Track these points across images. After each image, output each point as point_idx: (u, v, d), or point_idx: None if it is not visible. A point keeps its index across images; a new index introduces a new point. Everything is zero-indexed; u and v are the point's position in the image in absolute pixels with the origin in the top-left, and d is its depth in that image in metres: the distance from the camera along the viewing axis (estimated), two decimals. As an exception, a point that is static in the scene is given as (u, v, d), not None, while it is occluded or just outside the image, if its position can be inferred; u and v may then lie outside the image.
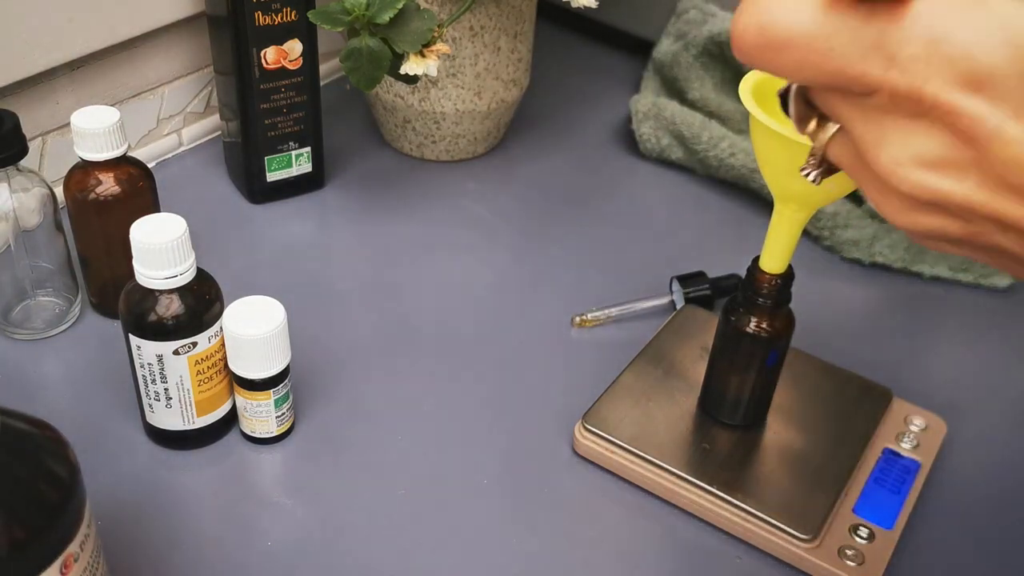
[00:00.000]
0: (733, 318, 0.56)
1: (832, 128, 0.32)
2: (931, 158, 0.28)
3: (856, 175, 0.32)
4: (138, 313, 0.53)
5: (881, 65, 0.28)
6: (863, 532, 0.54)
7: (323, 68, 0.86)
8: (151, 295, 0.53)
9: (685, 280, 0.70)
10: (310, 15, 0.67)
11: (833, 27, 0.28)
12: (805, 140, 0.33)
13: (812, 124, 0.33)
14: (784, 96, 0.33)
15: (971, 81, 0.27)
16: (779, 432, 0.59)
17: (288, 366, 0.57)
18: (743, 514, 0.54)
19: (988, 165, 0.27)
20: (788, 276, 0.54)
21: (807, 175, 0.34)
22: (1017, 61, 0.26)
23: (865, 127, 0.30)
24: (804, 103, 0.32)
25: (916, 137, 0.28)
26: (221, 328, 0.55)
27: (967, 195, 0.28)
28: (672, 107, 0.83)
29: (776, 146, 0.46)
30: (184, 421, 0.56)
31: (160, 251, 0.51)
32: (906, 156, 0.29)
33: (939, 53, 0.27)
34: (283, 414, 0.58)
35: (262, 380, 0.56)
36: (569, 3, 0.71)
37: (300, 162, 0.77)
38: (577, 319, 0.68)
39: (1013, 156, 0.27)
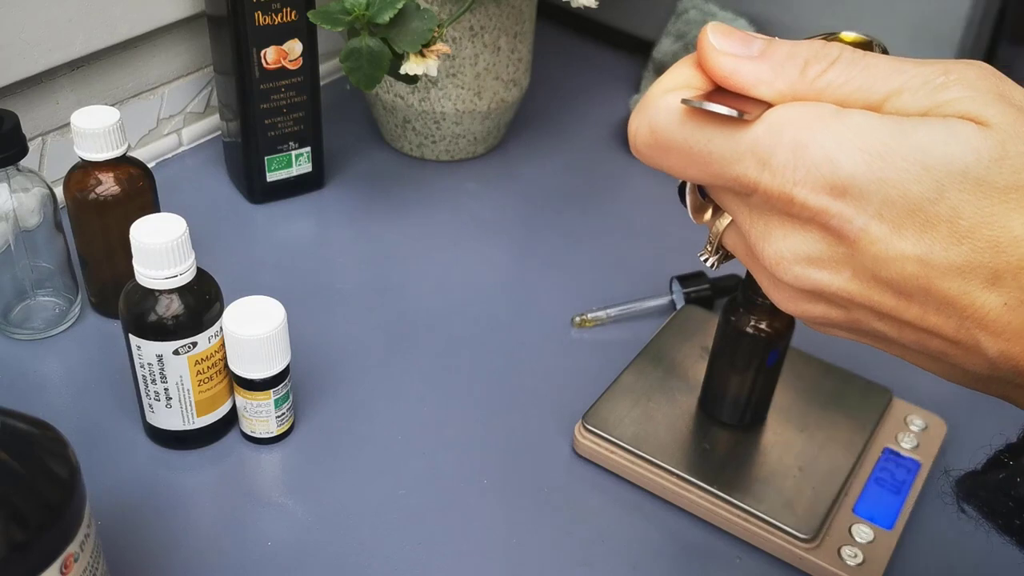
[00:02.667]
0: (733, 318, 0.56)
1: (726, 219, 0.35)
2: (809, 254, 0.31)
3: (748, 264, 0.34)
4: (138, 313, 0.53)
5: (755, 168, 0.30)
6: (863, 532, 0.54)
7: (323, 68, 0.86)
8: (151, 295, 0.53)
9: (685, 280, 0.70)
10: (310, 15, 0.67)
11: (711, 133, 0.31)
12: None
13: (707, 214, 0.35)
14: (681, 189, 0.35)
15: (835, 186, 0.29)
16: (779, 432, 0.59)
17: (288, 366, 0.57)
18: (743, 514, 0.54)
19: (859, 261, 0.30)
20: (788, 276, 0.54)
21: (705, 260, 0.37)
22: (872, 168, 0.28)
23: (751, 223, 0.32)
24: (699, 195, 0.35)
25: (794, 235, 0.31)
26: (221, 328, 0.55)
27: (843, 286, 0.31)
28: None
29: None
30: (184, 421, 0.56)
31: (160, 251, 0.51)
32: (787, 251, 0.31)
33: (804, 159, 0.29)
34: (283, 414, 0.58)
35: (262, 380, 0.56)
36: (569, 3, 0.71)
37: (300, 162, 0.77)
38: (577, 319, 0.68)
39: (879, 253, 0.29)
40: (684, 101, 0.30)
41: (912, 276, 0.29)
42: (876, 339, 0.33)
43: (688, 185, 0.35)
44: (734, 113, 0.29)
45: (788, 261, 0.31)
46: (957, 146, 0.28)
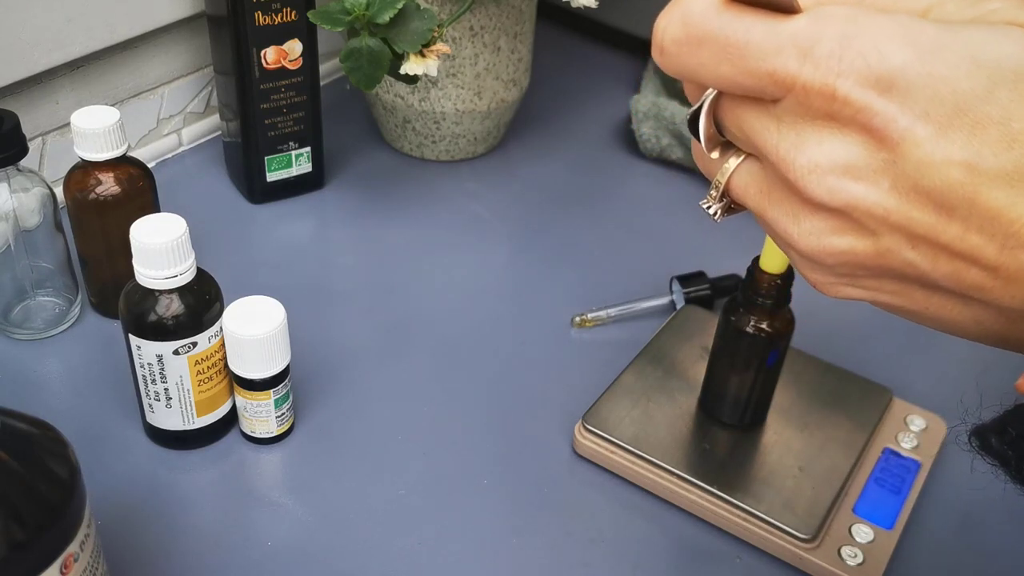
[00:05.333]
0: (733, 318, 0.56)
1: (736, 159, 0.32)
2: (846, 162, 0.28)
3: (762, 204, 0.32)
4: (138, 313, 0.53)
5: (796, 60, 0.28)
6: (863, 532, 0.54)
7: (323, 68, 0.86)
8: (151, 295, 0.53)
9: (685, 280, 0.70)
10: (310, 15, 0.67)
11: (750, 22, 0.29)
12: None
13: (716, 152, 0.33)
14: (693, 120, 0.33)
15: (881, 79, 0.27)
16: (779, 432, 0.59)
17: (288, 366, 0.57)
18: (743, 514, 0.54)
19: (900, 169, 0.28)
20: (788, 276, 0.54)
21: (708, 208, 0.34)
22: (922, 61, 0.27)
23: (779, 135, 0.30)
24: (714, 124, 0.33)
25: (831, 140, 0.29)
26: (221, 328, 0.55)
27: (879, 201, 0.28)
28: (672, 107, 0.83)
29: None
30: (184, 421, 0.56)
31: (160, 251, 0.51)
32: (822, 159, 0.29)
33: (850, 49, 0.27)
34: (283, 414, 0.58)
35: (262, 380, 0.56)
36: (569, 3, 0.71)
37: (300, 162, 0.77)
38: (577, 319, 0.68)
39: (923, 157, 0.27)
40: None
41: (957, 184, 0.27)
42: (903, 281, 0.30)
43: (704, 108, 0.32)
44: None
45: (822, 170, 0.29)
46: (1010, 46, 0.26)
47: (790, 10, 0.28)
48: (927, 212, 0.28)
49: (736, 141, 0.32)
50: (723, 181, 0.33)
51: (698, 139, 0.33)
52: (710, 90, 0.31)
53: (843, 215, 0.29)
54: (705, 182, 0.89)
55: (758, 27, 0.28)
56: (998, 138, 0.26)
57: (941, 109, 0.27)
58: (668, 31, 0.30)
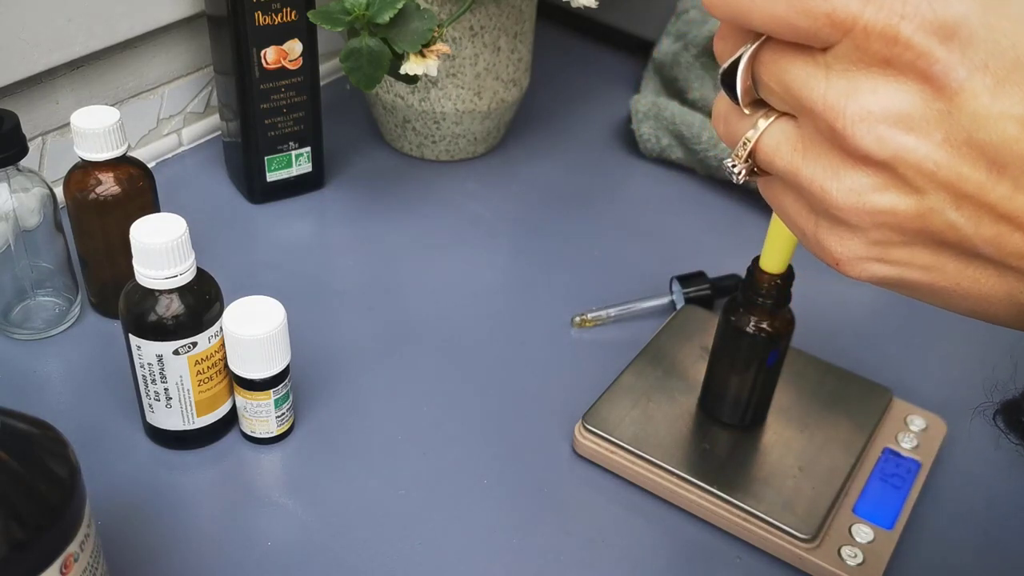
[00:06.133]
0: (733, 318, 0.56)
1: (767, 119, 0.31)
2: (899, 110, 0.28)
3: (796, 163, 0.30)
4: (138, 313, 0.53)
5: (858, 1, 0.27)
6: (863, 532, 0.54)
7: (323, 68, 0.86)
8: (151, 295, 0.53)
9: (685, 280, 0.70)
10: (310, 15, 0.67)
11: None
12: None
13: (750, 108, 0.32)
14: (728, 74, 0.31)
15: (944, 27, 0.26)
16: (779, 432, 0.59)
17: (288, 366, 0.57)
18: (743, 514, 0.54)
19: (955, 120, 0.27)
20: (788, 276, 0.54)
21: (733, 168, 0.33)
22: (986, 13, 0.26)
23: (828, 83, 0.29)
24: (751, 79, 0.31)
25: (886, 87, 0.28)
26: (221, 328, 0.55)
27: (929, 154, 0.27)
28: (672, 107, 0.83)
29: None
30: (184, 421, 0.56)
31: (160, 251, 0.51)
32: (874, 107, 0.28)
33: None
34: (283, 414, 0.58)
35: (262, 380, 0.56)
36: (569, 3, 0.71)
37: (300, 162, 0.77)
38: (577, 319, 0.68)
39: (980, 109, 0.27)
40: None
41: (1012, 139, 0.26)
42: (939, 248, 0.29)
43: (745, 58, 0.31)
44: None
45: (874, 118, 0.28)
46: None
47: None
48: (978, 168, 0.27)
49: (772, 97, 0.31)
50: (752, 140, 0.32)
51: (732, 95, 0.31)
52: (747, 45, 0.30)
53: (889, 170, 0.28)
54: (705, 182, 0.89)
55: None
56: None
57: (1001, 62, 0.26)
58: None
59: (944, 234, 0.29)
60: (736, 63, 0.31)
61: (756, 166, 0.32)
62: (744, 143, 0.32)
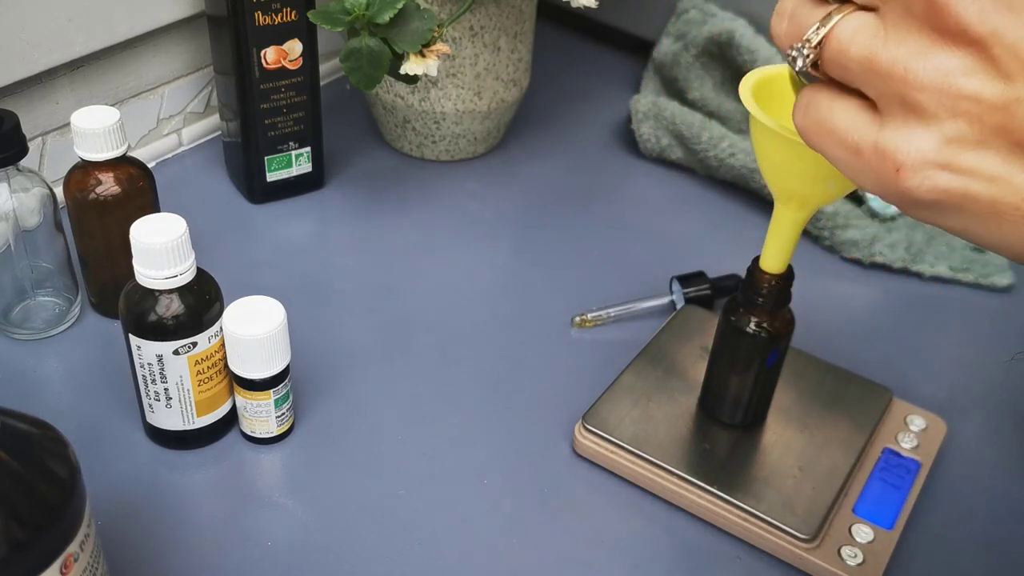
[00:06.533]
0: (733, 318, 0.56)
1: (843, 12, 0.31)
2: None
3: (875, 48, 0.29)
4: (138, 313, 0.53)
5: None
6: (863, 532, 0.54)
7: (323, 68, 0.86)
8: (151, 295, 0.53)
9: (685, 280, 0.70)
10: (310, 15, 0.67)
11: None
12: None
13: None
14: None
15: None
16: (779, 432, 0.59)
17: (288, 366, 0.57)
18: (743, 514, 0.54)
19: None
20: (788, 276, 0.54)
21: (798, 54, 0.32)
22: None
23: None
24: None
25: None
26: (221, 328, 0.55)
27: None
28: (672, 107, 0.83)
29: (776, 146, 0.46)
30: (184, 421, 0.56)
31: (160, 251, 0.51)
32: None
33: None
34: (283, 414, 0.58)
35: (262, 380, 0.56)
36: (569, 3, 0.71)
37: (300, 162, 0.77)
38: (577, 319, 0.68)
39: None
40: None
41: None
42: (1010, 158, 0.28)
43: None
44: None
45: None
46: None
47: None
48: None
49: None
50: (829, 25, 0.31)
51: None
52: None
53: (983, 50, 0.28)
54: (705, 182, 0.89)
55: None
56: None
57: None
58: None
59: (1023, 132, 0.28)
60: None
61: (820, 60, 0.31)
62: (817, 28, 0.31)
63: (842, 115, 0.31)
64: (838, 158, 0.32)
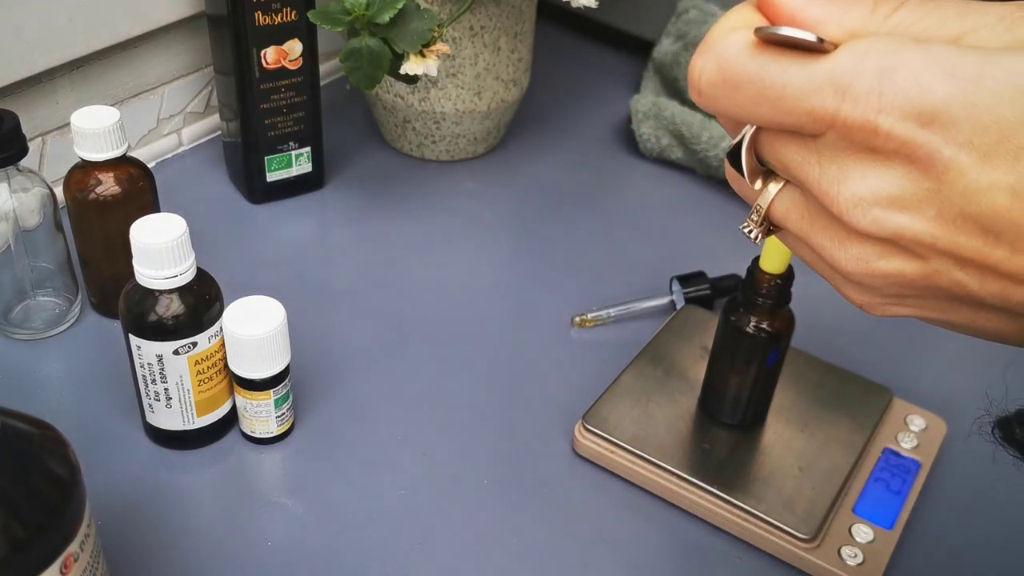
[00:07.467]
0: (733, 318, 0.56)
1: (776, 185, 0.33)
2: (890, 193, 0.29)
3: (804, 230, 0.32)
4: (138, 313, 0.53)
5: (834, 99, 0.28)
6: (863, 532, 0.54)
7: (323, 68, 0.86)
8: (151, 295, 0.53)
9: (685, 280, 0.70)
10: (310, 15, 0.67)
11: (785, 64, 0.29)
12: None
13: (760, 182, 0.33)
14: (734, 154, 0.33)
15: (923, 113, 0.27)
16: (779, 432, 0.59)
17: (288, 366, 0.57)
18: (743, 514, 0.54)
19: (945, 197, 0.28)
20: (788, 276, 0.54)
21: (748, 232, 0.34)
22: (964, 93, 0.27)
23: (820, 169, 0.30)
24: (755, 157, 0.33)
25: (874, 173, 0.29)
26: (221, 328, 0.55)
27: (926, 228, 0.28)
28: (672, 107, 0.83)
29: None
30: (184, 421, 0.56)
31: (160, 251, 0.51)
32: (866, 192, 0.29)
33: (890, 85, 0.27)
34: (283, 414, 0.58)
35: (262, 380, 0.56)
36: (569, 3, 0.71)
37: (300, 162, 0.77)
38: (577, 319, 0.68)
39: (969, 185, 0.27)
40: (759, 30, 0.29)
41: (1004, 209, 0.27)
42: (951, 300, 0.31)
43: (745, 143, 0.32)
44: (813, 38, 0.28)
45: (867, 203, 0.29)
46: None
47: (822, 50, 0.28)
48: (974, 237, 0.28)
49: (778, 171, 0.32)
50: (764, 207, 0.33)
51: (740, 173, 0.33)
52: (747, 128, 0.32)
53: (890, 243, 0.29)
54: (705, 182, 0.89)
55: (794, 68, 0.29)
56: None
57: (985, 138, 0.27)
58: (704, 74, 0.30)
59: (952, 289, 0.30)
60: (740, 144, 0.32)
61: (772, 226, 0.34)
62: (757, 208, 0.33)
63: (807, 255, 0.34)
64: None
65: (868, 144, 0.28)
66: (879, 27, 0.29)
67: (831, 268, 0.32)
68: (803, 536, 0.53)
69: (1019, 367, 0.62)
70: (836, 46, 0.28)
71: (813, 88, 0.28)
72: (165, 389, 0.55)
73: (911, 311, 0.32)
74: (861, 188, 0.29)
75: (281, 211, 0.78)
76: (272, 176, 0.77)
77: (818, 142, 0.29)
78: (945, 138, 0.27)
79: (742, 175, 0.33)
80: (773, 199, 0.33)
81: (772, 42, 0.29)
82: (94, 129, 0.58)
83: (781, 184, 0.32)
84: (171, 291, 0.53)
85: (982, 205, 0.27)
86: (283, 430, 0.59)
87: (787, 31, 0.28)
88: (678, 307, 0.69)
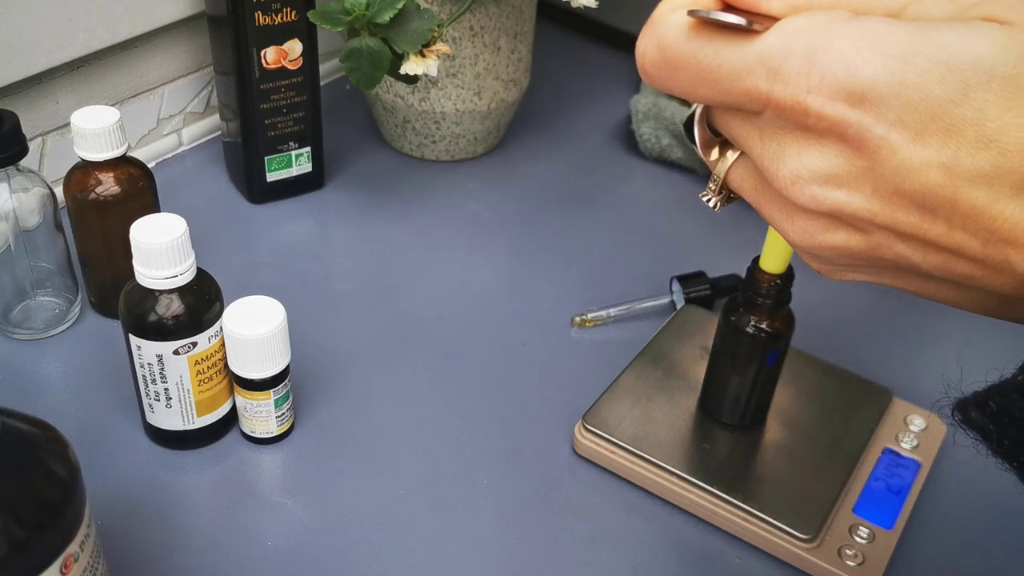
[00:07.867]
0: (733, 318, 0.56)
1: (733, 154, 0.33)
2: (826, 171, 0.29)
3: (757, 200, 0.33)
4: (138, 313, 0.53)
5: (766, 80, 0.28)
6: (863, 532, 0.54)
7: (323, 68, 0.86)
8: (151, 295, 0.53)
9: (685, 280, 0.70)
10: (310, 15, 0.67)
11: (719, 46, 0.29)
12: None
13: (715, 151, 0.34)
14: (688, 125, 0.33)
15: (852, 93, 0.27)
16: (779, 432, 0.59)
17: (288, 366, 0.57)
18: (743, 514, 0.54)
19: (879, 175, 0.28)
20: (788, 276, 0.54)
21: (708, 201, 0.35)
22: (893, 71, 0.27)
23: (762, 146, 0.30)
24: (707, 129, 0.33)
25: (810, 151, 0.29)
26: (221, 328, 0.55)
27: (863, 205, 0.29)
28: (672, 107, 0.83)
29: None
30: (184, 421, 0.56)
31: (160, 251, 0.51)
32: (803, 169, 0.29)
33: (818, 65, 0.28)
34: (283, 414, 0.58)
35: (262, 380, 0.56)
36: (569, 3, 0.71)
37: (300, 162, 0.77)
38: (577, 319, 0.68)
39: (901, 162, 0.27)
40: (691, 12, 0.29)
41: (937, 186, 0.27)
42: (898, 270, 0.31)
43: (696, 116, 0.33)
44: (742, 22, 0.28)
45: (804, 180, 0.29)
46: (983, 45, 0.26)
47: (753, 31, 0.29)
48: (911, 213, 0.28)
49: (731, 141, 0.33)
50: (722, 175, 0.34)
51: (694, 143, 0.33)
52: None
53: (832, 217, 0.30)
54: (703, 183, 0.89)
55: (728, 50, 0.29)
56: (974, 139, 0.26)
57: (915, 115, 0.27)
58: (647, 55, 0.31)
59: (897, 261, 0.30)
60: (692, 117, 0.33)
61: (731, 194, 0.34)
62: (715, 177, 0.34)
63: (768, 219, 0.34)
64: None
65: (801, 123, 0.28)
66: (822, 0, 0.29)
67: (784, 237, 0.33)
68: (803, 536, 0.53)
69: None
70: (767, 28, 0.29)
71: (746, 69, 0.29)
72: (165, 389, 0.55)
73: (867, 277, 0.32)
74: (798, 165, 0.29)
75: (281, 211, 0.78)
76: (272, 176, 0.77)
77: (759, 119, 0.30)
78: (876, 117, 0.27)
79: (695, 146, 0.33)
80: (729, 168, 0.33)
81: (706, 23, 0.29)
82: (94, 129, 0.58)
83: (738, 153, 0.33)
84: (171, 291, 0.53)
85: (916, 182, 0.27)
86: (283, 430, 0.59)
87: (715, 15, 0.29)
88: (678, 307, 0.69)
